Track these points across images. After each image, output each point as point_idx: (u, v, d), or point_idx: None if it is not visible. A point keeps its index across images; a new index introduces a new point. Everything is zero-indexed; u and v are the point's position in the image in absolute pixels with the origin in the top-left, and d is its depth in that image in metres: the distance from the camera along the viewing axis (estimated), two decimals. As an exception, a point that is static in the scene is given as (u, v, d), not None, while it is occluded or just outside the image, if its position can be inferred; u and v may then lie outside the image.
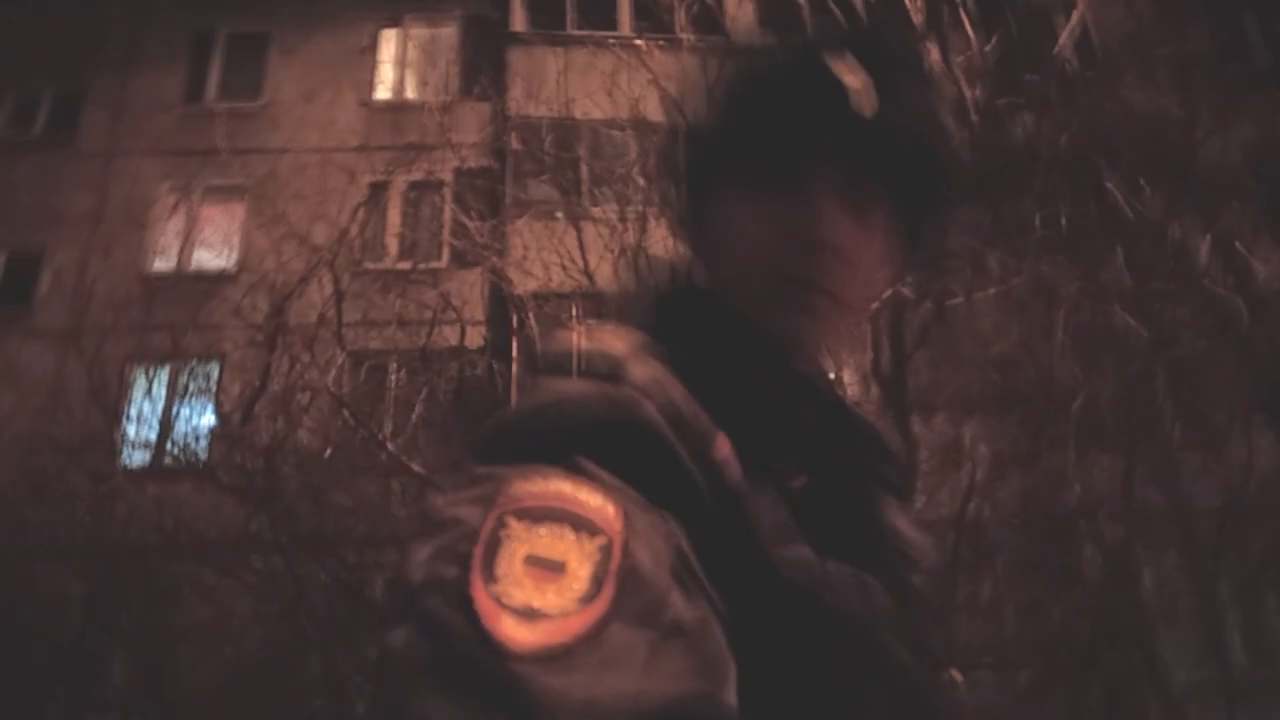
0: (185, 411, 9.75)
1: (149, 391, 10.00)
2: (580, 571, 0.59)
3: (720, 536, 0.67)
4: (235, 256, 10.32)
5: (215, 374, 9.90)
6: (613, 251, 8.33)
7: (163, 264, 10.83)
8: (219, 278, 10.35)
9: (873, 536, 0.82)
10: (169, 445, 9.67)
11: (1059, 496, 7.35)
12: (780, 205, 0.82)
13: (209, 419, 9.69)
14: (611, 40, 9.17)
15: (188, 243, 10.72)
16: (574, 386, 0.71)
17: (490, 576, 0.59)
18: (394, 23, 12.01)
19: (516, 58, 10.42)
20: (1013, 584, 7.59)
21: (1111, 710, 7.07)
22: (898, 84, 0.82)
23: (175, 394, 9.99)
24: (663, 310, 0.85)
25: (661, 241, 7.37)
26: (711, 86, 0.89)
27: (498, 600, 0.58)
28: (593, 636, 0.57)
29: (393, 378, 9.20)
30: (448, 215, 9.48)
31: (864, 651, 0.72)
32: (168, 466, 9.59)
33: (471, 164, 9.17)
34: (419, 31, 11.92)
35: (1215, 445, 7.55)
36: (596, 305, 8.83)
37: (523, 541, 0.60)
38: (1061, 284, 7.22)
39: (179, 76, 11.96)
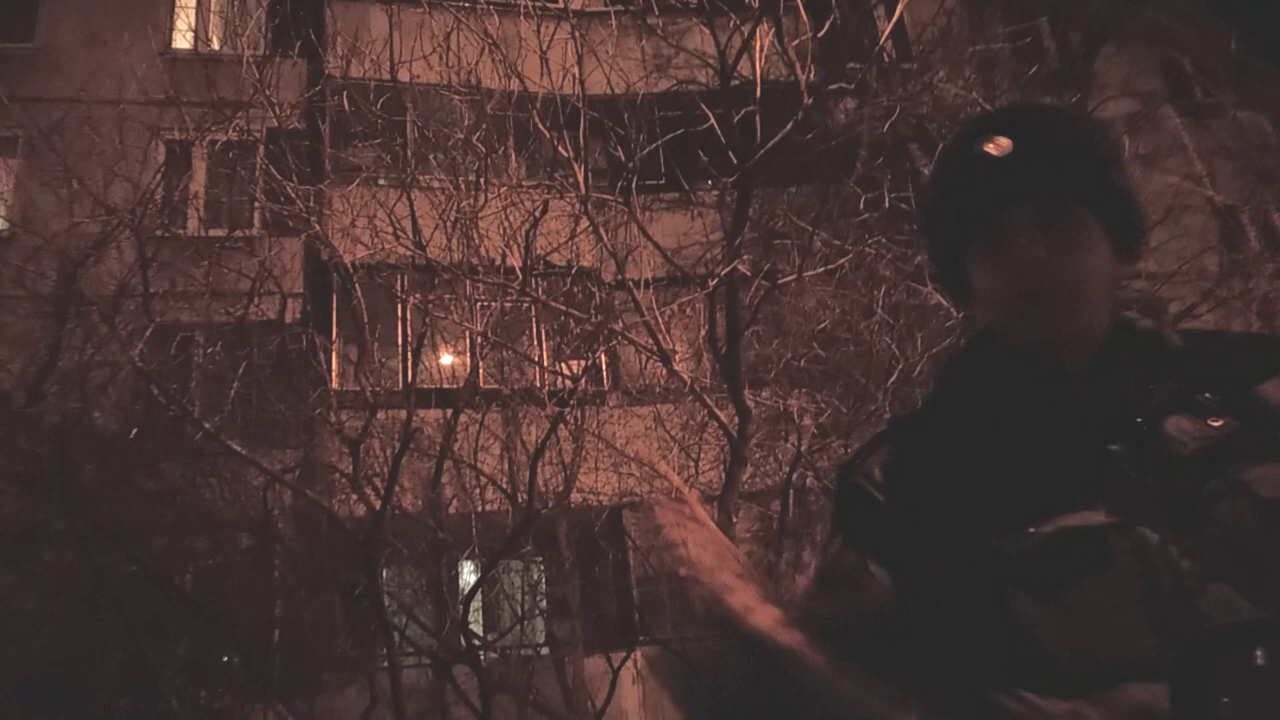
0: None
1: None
2: None
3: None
4: (11, 217, 9.15)
5: (-10, 348, 8.79)
6: (446, 220, 8.04)
7: (-83, 223, 9.49)
8: (-11, 240, 9.18)
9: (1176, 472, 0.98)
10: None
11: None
12: (995, 258, 1.09)
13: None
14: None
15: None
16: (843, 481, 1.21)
17: None
18: (197, -35, 10.99)
19: (337, 13, 9.77)
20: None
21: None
22: (1039, 130, 1.10)
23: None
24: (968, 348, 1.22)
25: (498, 212, 7.10)
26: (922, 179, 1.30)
27: None
28: None
29: (205, 352, 8.51)
30: (259, 178, 8.78)
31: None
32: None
33: (288, 125, 8.55)
34: (226, -23, 10.95)
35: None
36: (429, 277, 8.53)
37: None
38: (881, 264, 7.66)
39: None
